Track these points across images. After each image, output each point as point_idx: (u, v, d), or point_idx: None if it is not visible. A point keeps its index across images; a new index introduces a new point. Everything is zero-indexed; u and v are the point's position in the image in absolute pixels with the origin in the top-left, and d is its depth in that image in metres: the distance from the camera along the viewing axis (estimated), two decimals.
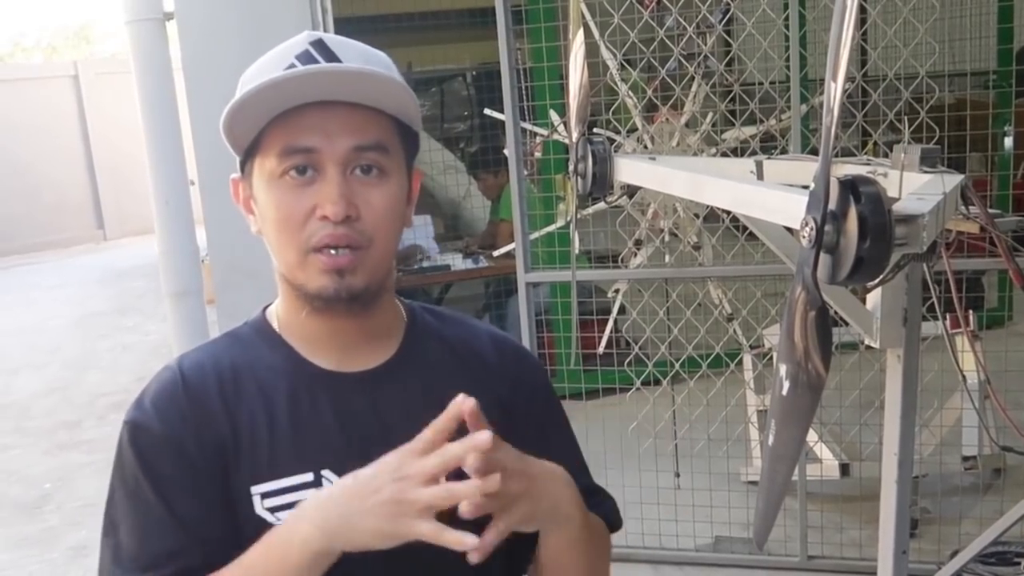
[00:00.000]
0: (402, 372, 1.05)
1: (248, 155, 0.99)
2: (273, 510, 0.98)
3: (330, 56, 0.95)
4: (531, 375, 1.15)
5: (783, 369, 0.98)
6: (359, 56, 0.97)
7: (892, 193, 1.28)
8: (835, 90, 0.91)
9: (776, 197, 1.14)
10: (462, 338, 1.12)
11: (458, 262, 4.96)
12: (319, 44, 0.96)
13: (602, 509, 1.15)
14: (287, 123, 0.94)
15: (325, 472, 0.99)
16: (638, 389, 3.20)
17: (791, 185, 1.35)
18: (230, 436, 0.98)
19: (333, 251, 0.94)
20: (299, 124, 0.94)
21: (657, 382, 3.24)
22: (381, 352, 1.05)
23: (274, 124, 0.94)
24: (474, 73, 6.69)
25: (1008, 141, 4.59)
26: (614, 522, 1.18)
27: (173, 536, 0.95)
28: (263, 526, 0.96)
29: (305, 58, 0.95)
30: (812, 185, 0.94)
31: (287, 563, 0.88)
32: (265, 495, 0.97)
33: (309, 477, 0.98)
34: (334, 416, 1.00)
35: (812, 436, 3.22)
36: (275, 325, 1.05)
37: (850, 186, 0.92)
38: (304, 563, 0.88)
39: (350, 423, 1.01)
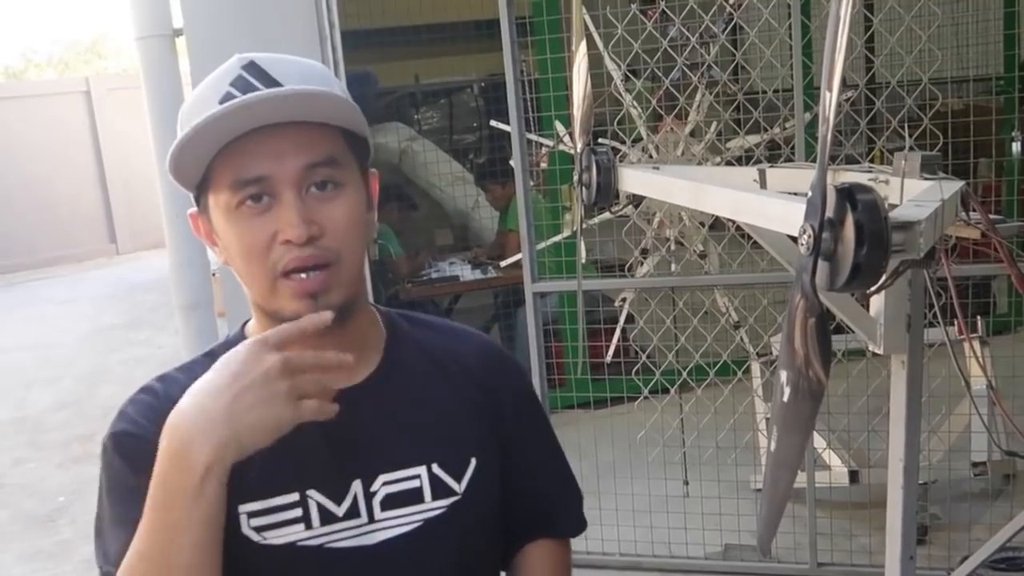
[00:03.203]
0: (384, 385, 1.05)
1: (200, 190, 0.97)
2: (259, 529, 0.98)
3: (265, 78, 0.93)
4: (512, 380, 1.16)
5: (784, 376, 0.99)
6: (295, 72, 0.95)
7: (893, 200, 1.30)
8: (830, 99, 0.92)
9: (775, 205, 1.15)
10: (442, 345, 1.12)
11: (467, 272, 4.98)
12: (252, 67, 0.94)
13: (566, 512, 1.19)
14: (233, 153, 0.92)
15: (310, 492, 0.99)
16: (646, 398, 3.20)
17: (794, 193, 1.36)
18: None
19: (303, 275, 0.93)
20: (246, 152, 0.92)
21: (665, 390, 3.25)
22: (363, 366, 1.04)
23: (221, 156, 0.92)
24: (482, 84, 6.71)
25: (1016, 146, 4.59)
26: (574, 525, 1.20)
27: None
28: (249, 545, 0.97)
29: (240, 84, 0.92)
30: (810, 193, 0.95)
31: (183, 490, 0.85)
32: (252, 514, 0.98)
33: (295, 497, 0.99)
34: (318, 435, 0.98)
35: (821, 443, 3.21)
36: None
37: (847, 194, 0.93)
38: (198, 484, 0.85)
39: (334, 441, 1.00)
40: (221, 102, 0.91)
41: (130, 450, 0.97)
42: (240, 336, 1.07)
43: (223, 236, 0.97)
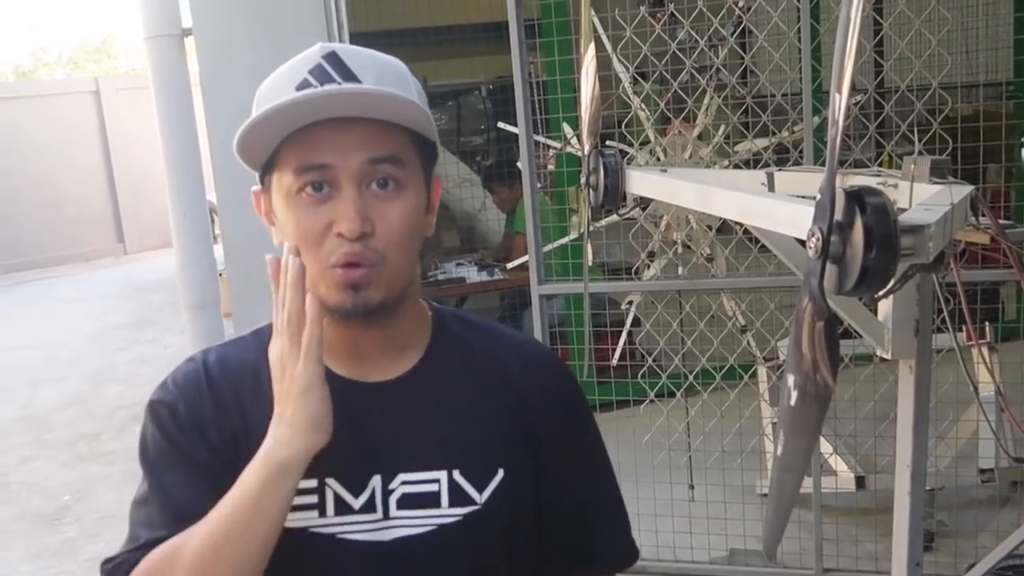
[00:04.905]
0: (418, 385, 1.05)
1: (266, 170, 1.00)
2: None
3: (343, 70, 0.95)
4: (554, 387, 1.12)
5: (791, 380, 0.98)
6: (373, 66, 0.97)
7: (902, 204, 1.29)
8: (840, 102, 0.92)
9: (783, 208, 1.14)
10: (486, 348, 1.10)
11: (473, 274, 4.98)
12: (332, 57, 0.96)
13: (611, 540, 1.14)
14: (302, 139, 0.95)
15: (329, 480, 1.00)
16: (652, 401, 3.19)
17: (802, 196, 1.35)
18: (243, 433, 1.00)
19: (348, 266, 0.95)
20: (314, 140, 0.94)
21: (671, 394, 3.24)
22: (401, 363, 1.05)
23: (290, 140, 0.95)
24: (490, 87, 6.72)
25: None
26: (621, 556, 1.15)
27: (200, 490, 0.98)
28: None
29: (318, 73, 0.95)
30: (819, 196, 0.94)
31: (255, 480, 0.93)
32: None
33: (313, 483, 1.00)
34: (345, 425, 0.99)
35: (827, 448, 3.20)
36: None
37: (856, 197, 0.92)
38: (264, 476, 0.93)
39: (359, 433, 1.01)
40: (298, 88, 0.94)
41: (163, 420, 1.02)
42: None
43: (281, 218, 0.99)
